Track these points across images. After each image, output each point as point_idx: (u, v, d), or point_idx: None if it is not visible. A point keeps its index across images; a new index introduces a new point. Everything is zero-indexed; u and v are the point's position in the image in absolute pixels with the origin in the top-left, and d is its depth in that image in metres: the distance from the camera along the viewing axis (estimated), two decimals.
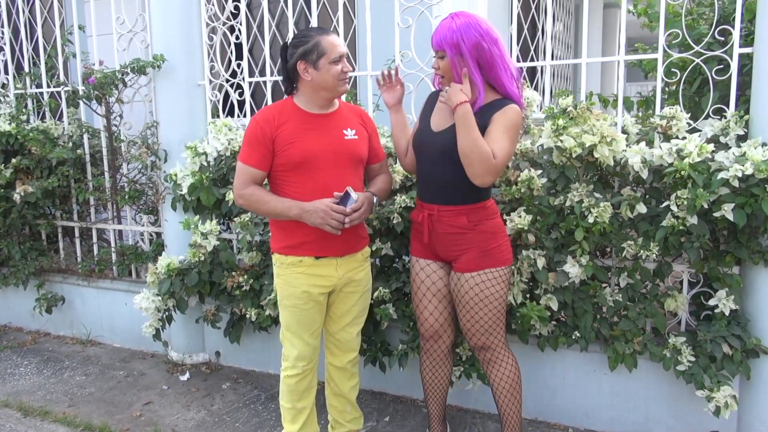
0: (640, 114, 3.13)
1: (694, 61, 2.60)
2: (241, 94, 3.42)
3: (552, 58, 6.51)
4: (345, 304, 2.51)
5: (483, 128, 2.15)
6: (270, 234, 2.49)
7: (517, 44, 5.53)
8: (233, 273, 3.19)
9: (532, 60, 5.56)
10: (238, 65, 3.40)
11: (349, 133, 2.37)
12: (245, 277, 3.15)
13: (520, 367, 2.89)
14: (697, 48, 2.55)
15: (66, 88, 3.79)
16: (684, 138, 2.44)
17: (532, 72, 5.78)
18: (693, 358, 2.54)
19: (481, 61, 2.15)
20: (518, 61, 2.97)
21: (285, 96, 2.40)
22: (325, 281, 2.40)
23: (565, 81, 7.35)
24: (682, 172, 2.32)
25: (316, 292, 2.39)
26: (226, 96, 3.50)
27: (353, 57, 4.54)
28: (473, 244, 2.30)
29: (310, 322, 2.44)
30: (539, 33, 5.70)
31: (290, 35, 3.27)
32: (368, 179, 2.54)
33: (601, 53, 8.12)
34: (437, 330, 2.52)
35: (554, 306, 2.63)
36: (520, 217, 2.61)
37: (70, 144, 3.93)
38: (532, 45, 5.64)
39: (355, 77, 3.96)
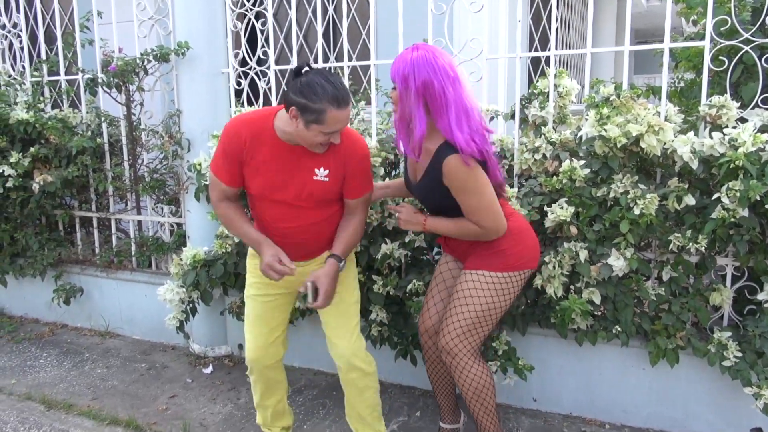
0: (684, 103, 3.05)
1: (742, 48, 2.52)
2: (267, 83, 3.34)
3: (567, 47, 6.43)
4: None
5: (435, 177, 2.09)
6: None
7: (537, 33, 5.44)
8: None
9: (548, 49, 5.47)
10: (264, 53, 3.32)
11: (320, 174, 2.16)
12: None
13: (557, 361, 2.87)
14: (746, 35, 2.48)
15: (87, 76, 3.70)
16: (735, 127, 2.38)
17: (546, 61, 5.70)
18: (740, 354, 2.48)
19: (428, 99, 2.00)
20: (536, 50, 2.88)
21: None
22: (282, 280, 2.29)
23: (577, 71, 7.29)
24: (736, 162, 2.25)
25: (273, 284, 2.33)
26: (239, 84, 3.42)
27: (366, 48, 4.46)
28: (479, 247, 2.25)
29: (265, 319, 2.39)
30: (557, 22, 5.60)
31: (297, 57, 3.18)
32: (345, 212, 2.33)
33: (615, 43, 8.03)
34: (433, 325, 2.45)
35: (597, 300, 2.57)
36: (561, 208, 2.54)
37: (89, 133, 3.85)
38: (551, 33, 5.55)
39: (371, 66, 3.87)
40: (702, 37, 2.59)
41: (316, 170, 2.16)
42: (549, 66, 2.82)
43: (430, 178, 2.12)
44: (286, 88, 2.04)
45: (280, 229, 2.24)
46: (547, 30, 5.59)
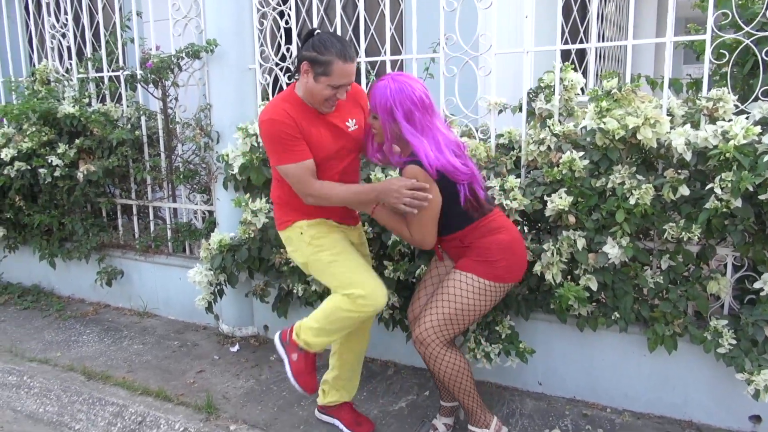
0: (690, 96, 3.08)
1: (743, 42, 2.56)
2: (290, 78, 3.52)
3: (603, 40, 6.39)
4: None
5: None
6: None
7: (566, 26, 5.47)
8: (281, 250, 3.31)
9: (581, 42, 5.48)
10: (288, 49, 3.50)
11: (351, 124, 2.43)
12: None
13: (561, 346, 2.97)
14: (747, 29, 2.51)
15: (125, 73, 3.97)
16: (731, 120, 2.42)
17: (581, 54, 5.71)
18: (734, 341, 2.53)
19: (410, 125, 2.22)
20: (566, 42, 2.96)
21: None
22: (347, 235, 2.56)
23: (617, 63, 7.21)
24: (727, 155, 2.30)
25: (346, 235, 2.55)
26: (275, 79, 3.61)
27: (399, 41, 4.59)
28: (472, 255, 2.38)
29: (363, 261, 2.51)
30: (589, 14, 5.60)
31: (326, 27, 3.35)
32: None
33: (655, 34, 7.90)
34: (417, 316, 2.57)
35: (593, 286, 2.65)
36: (560, 198, 2.64)
37: (129, 126, 4.12)
38: (582, 26, 5.56)
39: (401, 60, 4.01)
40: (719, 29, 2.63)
41: (347, 123, 2.41)
42: (593, 59, 2.89)
43: None
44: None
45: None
46: (578, 23, 5.61)
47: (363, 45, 3.34)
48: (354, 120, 2.44)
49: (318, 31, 2.28)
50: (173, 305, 4.19)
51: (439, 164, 2.20)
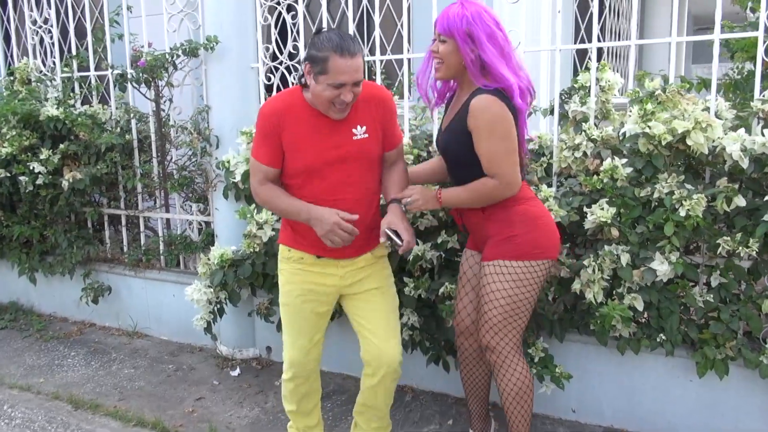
0: (731, 97, 2.89)
1: None
2: (297, 78, 3.27)
3: (618, 38, 6.17)
4: (369, 304, 2.30)
5: (462, 121, 2.09)
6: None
7: (583, 23, 5.28)
8: None
9: (599, 40, 5.26)
10: (294, 47, 3.24)
11: (359, 132, 2.17)
12: None
13: (598, 370, 2.75)
14: None
15: (115, 72, 3.67)
16: None
17: (597, 52, 5.50)
18: None
19: (492, 47, 2.05)
20: (582, 41, 2.75)
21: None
22: (327, 279, 2.26)
23: (627, 62, 7.02)
24: None
25: (319, 291, 2.26)
26: (268, 79, 3.35)
27: (408, 38, 4.34)
28: (492, 232, 2.17)
29: (310, 326, 2.31)
30: (606, 11, 5.41)
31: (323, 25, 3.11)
32: (384, 167, 2.30)
33: (670, 31, 7.72)
34: (468, 326, 2.39)
35: (639, 306, 2.43)
36: (602, 209, 2.41)
37: (118, 129, 3.82)
38: (599, 23, 5.36)
39: (409, 60, 3.75)
40: (757, 27, 2.43)
41: (354, 130, 2.15)
42: (633, 57, 2.69)
43: (457, 124, 2.12)
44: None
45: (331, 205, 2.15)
46: (595, 20, 5.40)
47: (377, 43, 3.09)
48: (364, 127, 2.16)
49: (324, 28, 2.10)
50: (166, 324, 3.89)
51: (524, 84, 2.09)
